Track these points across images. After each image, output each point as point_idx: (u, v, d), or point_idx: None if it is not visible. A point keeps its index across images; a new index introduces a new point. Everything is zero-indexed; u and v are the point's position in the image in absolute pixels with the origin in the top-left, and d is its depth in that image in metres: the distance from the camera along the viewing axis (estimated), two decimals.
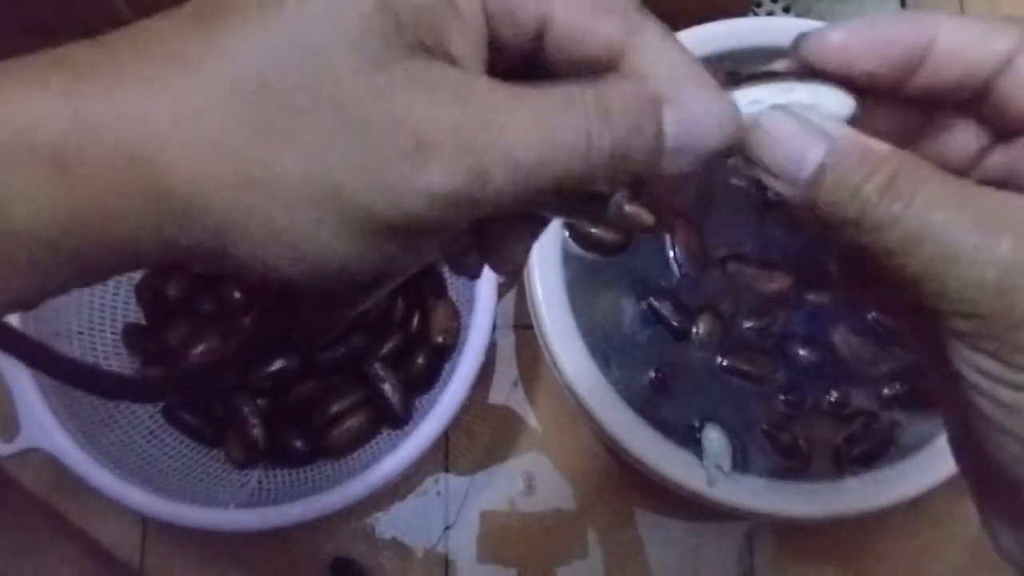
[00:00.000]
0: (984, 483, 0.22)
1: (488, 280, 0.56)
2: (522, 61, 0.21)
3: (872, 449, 0.54)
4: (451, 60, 0.19)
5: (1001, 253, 0.18)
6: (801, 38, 0.22)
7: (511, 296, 0.68)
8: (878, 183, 0.19)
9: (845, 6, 0.75)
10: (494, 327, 0.58)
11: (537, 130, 0.18)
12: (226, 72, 0.17)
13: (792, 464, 0.54)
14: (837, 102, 0.22)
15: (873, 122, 0.23)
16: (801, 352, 0.56)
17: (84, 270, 0.18)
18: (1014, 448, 0.20)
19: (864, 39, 0.22)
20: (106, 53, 0.18)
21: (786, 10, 0.75)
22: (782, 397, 0.55)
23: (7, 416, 0.53)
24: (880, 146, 0.20)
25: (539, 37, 0.20)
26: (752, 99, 0.22)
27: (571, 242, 0.56)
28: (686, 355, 0.56)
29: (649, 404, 0.54)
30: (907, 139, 0.24)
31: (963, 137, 0.23)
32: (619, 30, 0.20)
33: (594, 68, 0.20)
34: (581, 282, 0.56)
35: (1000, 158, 0.23)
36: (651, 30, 0.21)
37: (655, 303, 0.56)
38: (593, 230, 0.56)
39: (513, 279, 0.21)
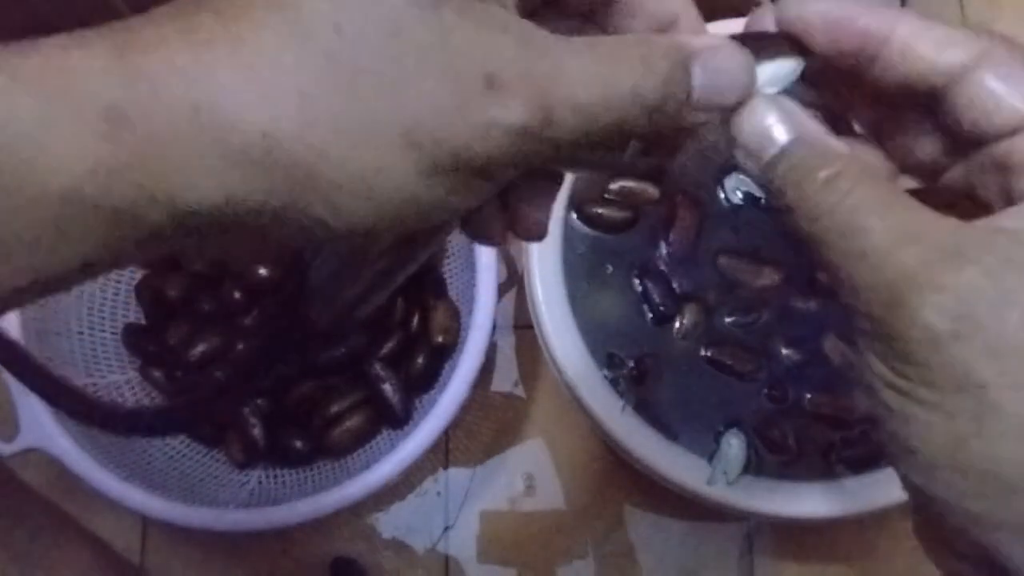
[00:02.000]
0: (917, 511, 0.22)
1: (488, 280, 0.56)
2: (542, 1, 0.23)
3: (864, 455, 0.54)
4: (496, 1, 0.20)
5: (903, 261, 0.19)
6: (782, 3, 0.24)
7: (511, 296, 0.68)
8: (822, 176, 0.21)
9: None
10: (494, 327, 0.58)
11: (595, 76, 0.20)
12: (288, 21, 0.17)
13: (781, 460, 0.54)
14: (792, 65, 0.24)
15: (850, 114, 0.25)
16: (784, 351, 0.56)
17: (116, 237, 0.17)
18: (909, 460, 0.20)
19: (832, 15, 0.23)
20: (158, 17, 0.18)
21: None
22: (765, 391, 0.55)
23: (7, 416, 0.53)
24: (839, 146, 0.22)
25: None
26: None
27: (577, 222, 0.56)
28: (669, 344, 0.56)
29: (629, 392, 0.54)
30: (879, 136, 0.25)
31: (929, 142, 0.24)
32: None
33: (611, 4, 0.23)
34: (581, 282, 0.56)
35: (960, 169, 0.24)
36: None
37: (648, 283, 0.56)
38: (599, 209, 0.56)
39: (538, 240, 0.22)
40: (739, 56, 0.22)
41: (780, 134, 0.22)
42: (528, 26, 0.20)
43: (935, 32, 0.22)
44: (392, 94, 0.18)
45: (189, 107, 0.17)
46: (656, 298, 0.56)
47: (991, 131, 0.21)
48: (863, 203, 0.20)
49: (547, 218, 0.24)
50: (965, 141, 0.23)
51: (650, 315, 0.56)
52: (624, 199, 0.57)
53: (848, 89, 0.25)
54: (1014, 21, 0.76)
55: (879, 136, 0.26)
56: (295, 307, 0.27)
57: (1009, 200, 0.21)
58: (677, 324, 0.56)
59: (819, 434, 0.55)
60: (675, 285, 0.57)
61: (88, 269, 0.18)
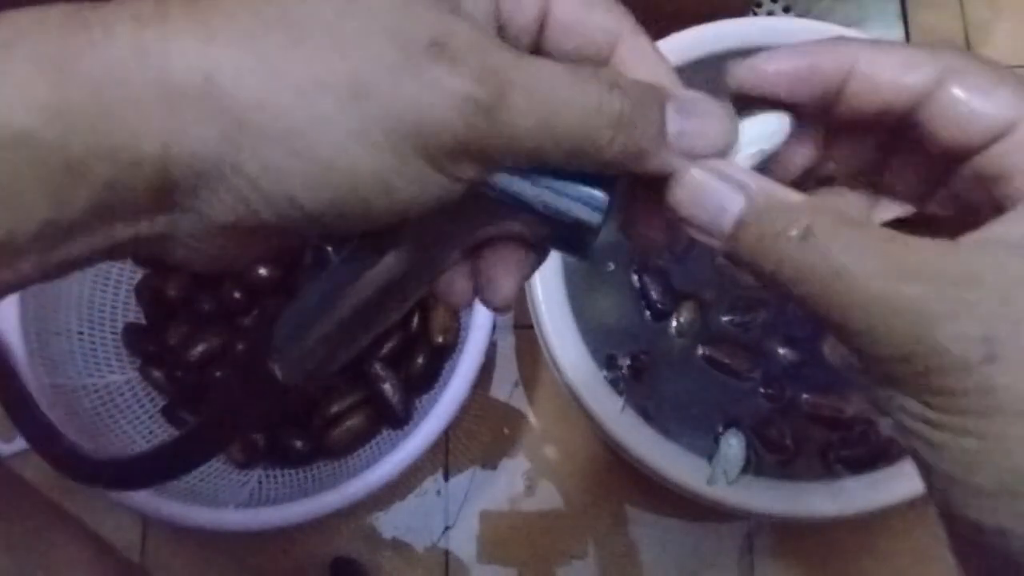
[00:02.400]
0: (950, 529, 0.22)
1: None
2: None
3: (863, 455, 0.54)
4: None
5: (910, 299, 0.19)
6: (731, 67, 0.23)
7: None
8: (794, 235, 0.20)
9: (845, 6, 0.75)
10: (494, 327, 0.58)
11: (560, 76, 0.20)
12: None
13: (779, 459, 0.54)
14: (777, 121, 0.23)
15: (837, 157, 0.25)
16: (780, 351, 0.56)
17: (70, 192, 0.17)
18: (964, 492, 0.19)
19: (786, 68, 0.23)
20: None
21: (786, 10, 0.75)
22: (762, 391, 0.55)
23: (7, 417, 0.53)
24: (794, 196, 0.21)
25: (540, 22, 0.22)
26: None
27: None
28: (666, 342, 0.56)
29: (628, 391, 0.54)
30: (870, 172, 0.25)
31: (912, 172, 0.24)
32: (612, 21, 0.22)
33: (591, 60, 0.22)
34: (581, 282, 0.56)
35: (945, 193, 0.23)
36: (642, 37, 0.23)
37: (646, 279, 0.56)
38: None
39: (501, 314, 0.21)
40: (720, 106, 0.22)
41: (732, 202, 0.21)
42: (490, 29, 0.20)
43: (894, 57, 0.22)
44: (338, 50, 0.18)
45: (137, 50, 0.17)
46: (654, 295, 0.56)
47: (969, 144, 0.21)
48: (847, 252, 0.19)
49: (514, 289, 0.24)
50: (946, 161, 0.22)
51: (648, 312, 0.56)
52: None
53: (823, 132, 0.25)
54: (1014, 21, 0.76)
55: (864, 177, 0.25)
56: (261, 362, 0.25)
57: (1000, 211, 0.21)
58: (674, 322, 0.56)
59: (817, 434, 0.55)
60: (673, 283, 0.57)
61: (47, 233, 0.18)
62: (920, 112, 0.21)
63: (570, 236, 0.23)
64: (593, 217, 0.22)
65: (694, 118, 0.21)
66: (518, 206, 0.22)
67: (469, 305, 0.25)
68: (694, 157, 0.22)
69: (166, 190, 0.18)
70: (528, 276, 0.24)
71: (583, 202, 0.22)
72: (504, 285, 0.23)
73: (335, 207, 0.19)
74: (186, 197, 0.18)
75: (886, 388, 0.20)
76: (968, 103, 0.21)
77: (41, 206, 0.17)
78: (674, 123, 0.21)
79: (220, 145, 0.18)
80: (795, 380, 0.56)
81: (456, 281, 0.24)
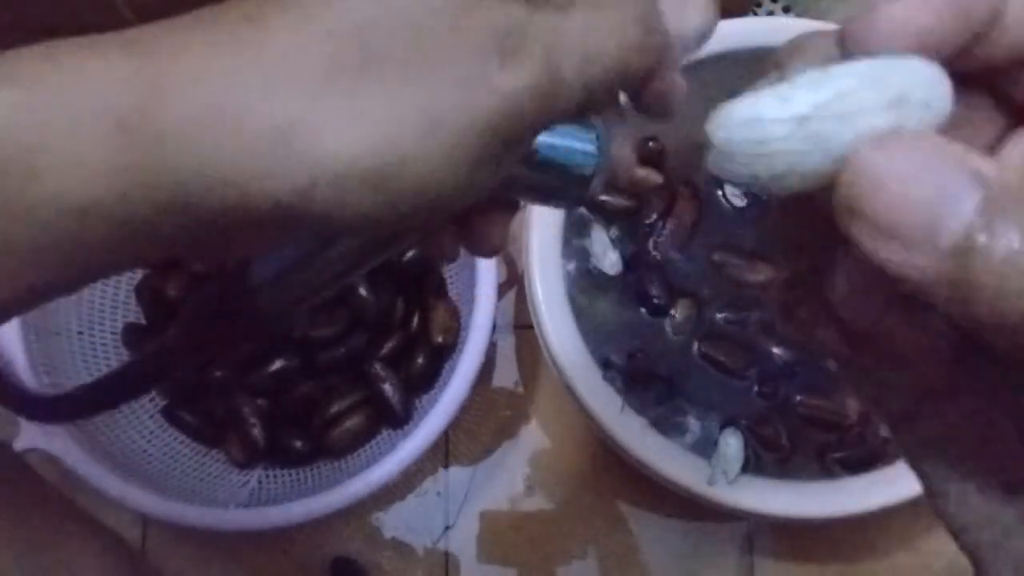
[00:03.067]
0: None
1: (488, 280, 0.56)
2: None
3: (860, 456, 0.54)
4: None
5: None
6: (852, 21, 0.16)
7: (511, 296, 0.68)
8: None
9: (845, 6, 0.75)
10: (494, 327, 0.58)
11: (594, 26, 0.19)
12: (309, 25, 0.17)
13: (777, 457, 0.54)
14: (928, 71, 0.15)
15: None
16: (775, 350, 0.56)
17: (131, 246, 0.18)
18: None
19: (923, 9, 0.16)
20: (179, 25, 0.18)
21: (786, 10, 0.75)
22: (756, 389, 0.55)
23: (7, 416, 0.53)
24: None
25: None
26: (812, 102, 0.15)
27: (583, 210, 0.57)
28: (662, 340, 0.56)
29: (627, 391, 0.54)
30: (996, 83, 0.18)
31: (981, 121, 0.18)
32: None
33: None
34: (581, 281, 0.56)
35: (1019, 148, 0.17)
36: None
37: (643, 274, 0.56)
38: (603, 196, 0.57)
39: (490, 256, 0.22)
40: None
41: (958, 198, 0.13)
42: None
43: None
44: (415, 78, 0.17)
45: (205, 104, 0.17)
46: (652, 290, 0.56)
47: None
48: None
49: (502, 238, 0.24)
50: None
51: (643, 309, 0.57)
52: (628, 186, 0.58)
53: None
54: None
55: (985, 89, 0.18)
56: (237, 293, 0.26)
57: None
58: (670, 319, 0.56)
59: (814, 435, 0.55)
60: (670, 279, 0.57)
61: (89, 276, 0.18)
62: None
63: (562, 188, 0.23)
64: (588, 161, 0.22)
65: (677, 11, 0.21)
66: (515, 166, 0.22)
67: (456, 258, 0.25)
68: (682, 46, 0.21)
69: (235, 227, 0.18)
70: (509, 223, 0.24)
71: (578, 152, 0.22)
72: (492, 236, 0.23)
73: (408, 219, 0.18)
74: (253, 226, 0.18)
75: None
76: None
77: (93, 260, 0.18)
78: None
79: (293, 192, 0.17)
80: (790, 379, 0.56)
81: (444, 238, 0.24)
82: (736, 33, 0.56)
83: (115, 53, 0.17)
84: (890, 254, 0.13)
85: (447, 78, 0.17)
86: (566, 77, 0.19)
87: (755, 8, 0.74)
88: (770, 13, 0.74)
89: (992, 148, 0.18)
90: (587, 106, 0.20)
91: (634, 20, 0.20)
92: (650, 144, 0.59)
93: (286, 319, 0.27)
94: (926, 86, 0.15)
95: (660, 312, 0.56)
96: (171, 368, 0.32)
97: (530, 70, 0.18)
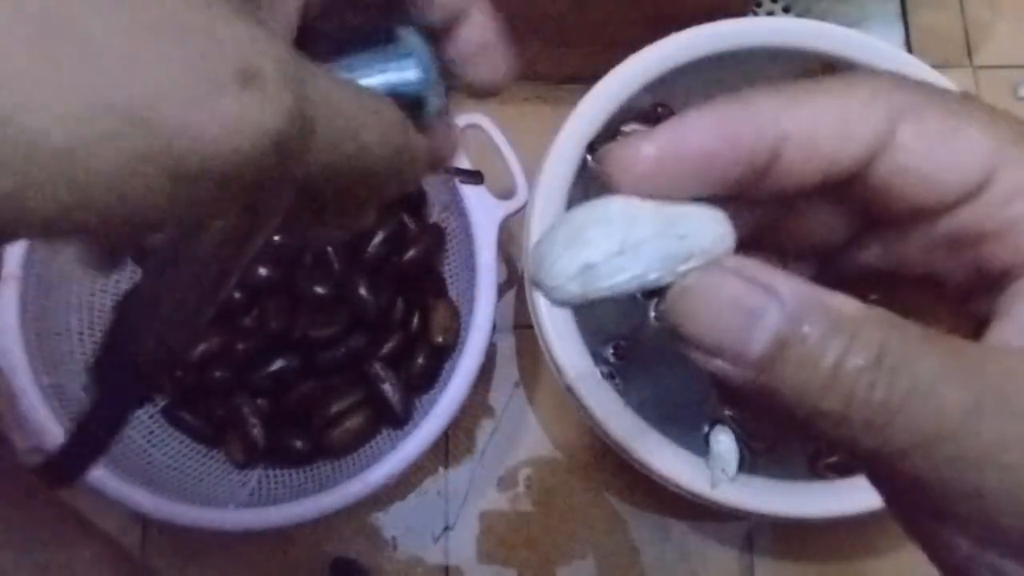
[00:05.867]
0: None
1: (488, 280, 0.56)
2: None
3: (849, 461, 0.54)
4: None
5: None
6: (603, 155, 0.17)
7: (511, 296, 0.68)
8: (860, 364, 0.15)
9: (846, 6, 0.75)
10: (494, 327, 0.58)
11: (358, 108, 0.17)
12: None
13: (762, 447, 0.54)
14: (712, 220, 0.17)
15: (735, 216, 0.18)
16: None
17: None
18: None
19: (684, 155, 0.17)
20: None
21: (786, 10, 0.75)
22: None
23: (6, 416, 0.53)
24: (847, 304, 0.16)
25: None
26: (586, 259, 0.17)
27: (592, 164, 0.57)
28: (649, 327, 0.56)
29: (612, 380, 0.54)
30: (760, 230, 0.20)
31: (828, 224, 0.19)
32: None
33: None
34: None
35: (877, 250, 0.19)
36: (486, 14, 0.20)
37: None
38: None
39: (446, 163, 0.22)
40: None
41: (763, 315, 0.15)
42: (290, 36, 0.18)
43: (830, 107, 0.17)
44: (129, 70, 0.14)
45: None
46: None
47: (938, 203, 0.17)
48: (944, 383, 0.15)
49: (451, 146, 0.23)
50: (893, 215, 0.18)
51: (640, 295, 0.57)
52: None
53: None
54: (1014, 21, 0.76)
55: (761, 231, 0.20)
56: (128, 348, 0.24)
57: (980, 275, 0.17)
58: (653, 308, 0.57)
59: (801, 440, 0.55)
60: None
61: None
62: (867, 172, 0.17)
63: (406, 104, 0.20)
64: (416, 75, 0.20)
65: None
66: None
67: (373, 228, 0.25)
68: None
69: None
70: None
71: (401, 69, 0.20)
72: (443, 151, 0.23)
73: (103, 223, 0.15)
74: None
75: (986, 551, 0.16)
76: (927, 159, 0.16)
77: None
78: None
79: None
80: None
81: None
82: (736, 33, 0.56)
83: None
84: (712, 367, 0.16)
85: (170, 85, 0.14)
86: (317, 147, 0.16)
87: (755, 8, 0.74)
88: (770, 13, 0.74)
89: (840, 246, 0.19)
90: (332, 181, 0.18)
91: (414, 135, 0.19)
92: (659, 110, 0.58)
93: (187, 340, 0.26)
94: (713, 235, 0.17)
95: (652, 294, 0.57)
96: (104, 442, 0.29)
97: (274, 111, 0.15)
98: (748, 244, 0.19)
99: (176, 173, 0.14)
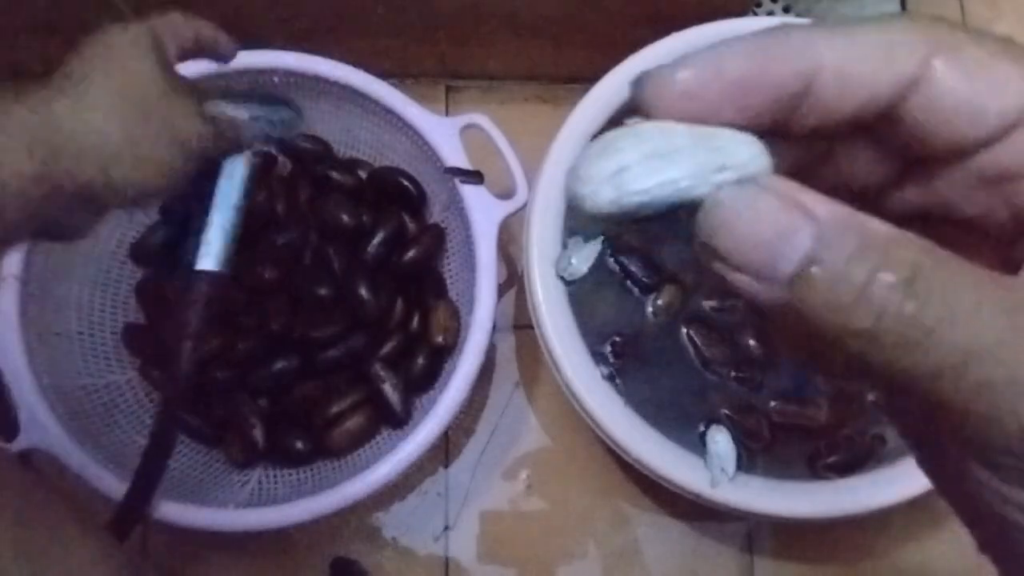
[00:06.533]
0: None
1: (488, 280, 0.56)
2: None
3: (850, 461, 0.54)
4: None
5: None
6: (641, 80, 0.17)
7: (511, 296, 0.68)
8: (893, 281, 0.15)
9: (846, 6, 0.75)
10: (494, 327, 0.58)
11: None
12: (111, 89, 0.36)
13: (759, 447, 0.54)
14: (747, 151, 0.17)
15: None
16: (751, 343, 0.56)
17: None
18: None
19: (719, 80, 0.17)
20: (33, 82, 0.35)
21: (786, 10, 0.75)
22: (733, 374, 0.55)
23: (6, 416, 0.53)
24: (881, 227, 0.16)
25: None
26: (620, 163, 0.17)
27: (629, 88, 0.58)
28: (646, 323, 0.56)
29: (612, 380, 0.54)
30: (798, 170, 0.20)
31: (871, 164, 0.19)
32: None
33: None
34: (581, 281, 0.56)
35: (917, 190, 0.19)
36: None
37: (624, 260, 0.57)
38: None
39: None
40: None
41: (794, 234, 0.15)
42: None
43: (867, 42, 0.17)
44: (164, 129, 0.37)
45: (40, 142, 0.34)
46: (636, 271, 0.57)
47: (975, 138, 0.17)
48: (979, 309, 0.15)
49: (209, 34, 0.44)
50: (926, 155, 0.18)
51: (633, 287, 0.57)
52: None
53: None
54: (1014, 21, 0.76)
55: (800, 171, 0.20)
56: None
57: (1020, 216, 0.17)
58: (651, 304, 0.57)
59: (795, 441, 0.55)
60: (655, 262, 0.58)
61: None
62: (903, 106, 0.17)
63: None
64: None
65: None
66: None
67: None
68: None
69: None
70: None
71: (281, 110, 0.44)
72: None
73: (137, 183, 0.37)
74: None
75: (1003, 480, 0.16)
76: (965, 92, 0.16)
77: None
78: None
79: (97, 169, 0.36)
80: (764, 369, 0.56)
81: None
82: (736, 33, 0.56)
83: (18, 106, 0.34)
84: (741, 284, 0.16)
85: (148, 123, 0.37)
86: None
87: (755, 8, 0.74)
88: (770, 13, 0.74)
89: (881, 189, 0.20)
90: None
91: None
92: None
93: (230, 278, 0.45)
94: (745, 148, 0.17)
95: (650, 290, 0.57)
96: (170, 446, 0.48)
97: (197, 144, 0.39)
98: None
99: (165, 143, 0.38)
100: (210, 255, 0.42)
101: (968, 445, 0.16)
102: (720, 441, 0.53)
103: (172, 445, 0.48)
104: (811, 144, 0.19)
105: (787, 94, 0.17)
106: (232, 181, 0.43)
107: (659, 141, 0.17)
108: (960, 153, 0.17)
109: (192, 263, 0.43)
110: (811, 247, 0.15)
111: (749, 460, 0.54)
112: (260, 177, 0.62)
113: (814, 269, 0.15)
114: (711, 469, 0.52)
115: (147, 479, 0.48)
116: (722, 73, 0.17)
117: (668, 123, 0.17)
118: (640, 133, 0.17)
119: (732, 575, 0.63)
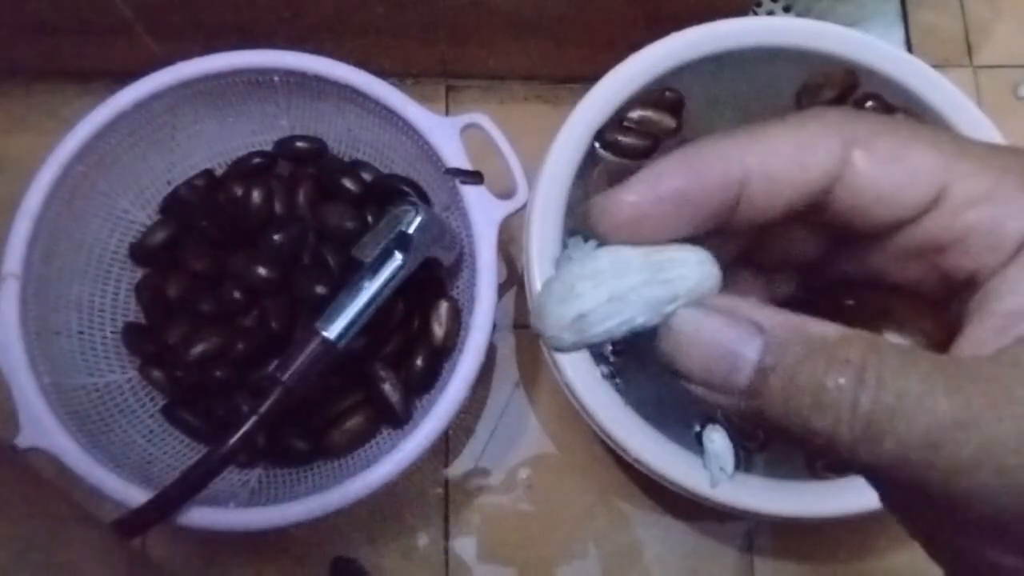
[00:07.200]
0: None
1: (488, 280, 0.56)
2: None
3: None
4: None
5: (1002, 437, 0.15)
6: (589, 210, 0.19)
7: (511, 296, 0.68)
8: (841, 383, 0.15)
9: (845, 6, 0.75)
10: (495, 327, 0.58)
11: None
12: None
13: (750, 446, 0.54)
14: (697, 273, 0.18)
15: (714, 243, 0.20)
16: None
17: None
18: None
19: (660, 201, 0.18)
20: None
21: (786, 10, 0.75)
22: None
23: (7, 416, 0.53)
24: (826, 328, 0.17)
25: None
26: (579, 309, 0.18)
27: (600, 151, 0.57)
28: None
29: (612, 379, 0.54)
30: (745, 252, 0.22)
31: (803, 243, 0.21)
32: None
33: None
34: None
35: (846, 262, 0.21)
36: None
37: None
38: (619, 136, 0.58)
39: None
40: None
41: (745, 346, 0.17)
42: None
43: (786, 142, 0.18)
44: None
45: None
46: None
47: (898, 219, 0.18)
48: (928, 397, 0.15)
49: None
50: (859, 236, 0.19)
51: None
52: (642, 127, 0.58)
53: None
54: (1014, 21, 0.76)
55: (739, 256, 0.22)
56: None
57: (947, 280, 0.19)
58: None
59: (788, 446, 0.55)
60: None
61: None
62: (828, 198, 0.19)
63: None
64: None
65: None
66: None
67: None
68: None
69: None
70: None
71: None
72: None
73: None
74: None
75: (986, 548, 0.16)
76: (884, 181, 0.18)
77: None
78: None
79: None
80: None
81: None
82: (736, 33, 0.56)
83: None
84: (706, 396, 0.17)
85: None
86: None
87: (755, 8, 0.74)
88: (770, 13, 0.74)
89: (814, 264, 0.21)
90: None
91: None
92: (667, 94, 0.59)
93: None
94: (694, 271, 0.18)
95: None
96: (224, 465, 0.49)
97: None
98: (736, 264, 0.21)
99: None
100: (336, 328, 0.52)
101: (948, 519, 0.16)
102: (716, 440, 0.53)
103: (215, 476, 0.51)
104: (754, 232, 0.21)
105: (721, 202, 0.18)
106: (386, 279, 0.53)
107: (613, 283, 0.18)
108: (885, 231, 0.19)
109: (320, 325, 0.52)
110: (759, 358, 0.16)
111: (748, 460, 0.54)
112: (274, 189, 0.63)
113: (769, 378, 0.16)
114: (709, 468, 0.52)
115: (171, 501, 0.50)
116: (661, 192, 0.18)
117: (621, 252, 0.18)
118: (596, 274, 0.18)
119: (732, 575, 0.63)
